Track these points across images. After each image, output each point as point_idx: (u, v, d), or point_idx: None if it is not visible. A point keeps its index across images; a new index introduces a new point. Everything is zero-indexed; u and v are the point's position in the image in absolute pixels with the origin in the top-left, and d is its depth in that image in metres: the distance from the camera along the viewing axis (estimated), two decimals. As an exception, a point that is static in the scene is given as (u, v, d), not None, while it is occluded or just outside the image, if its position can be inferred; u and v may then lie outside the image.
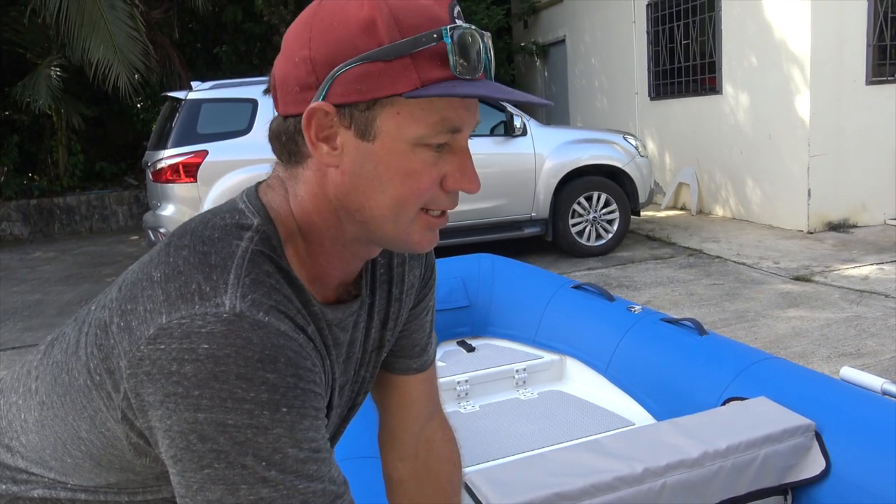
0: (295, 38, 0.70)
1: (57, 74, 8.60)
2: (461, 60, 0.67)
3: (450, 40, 0.66)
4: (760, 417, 1.64)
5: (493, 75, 0.72)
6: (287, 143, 0.73)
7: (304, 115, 0.68)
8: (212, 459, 0.62)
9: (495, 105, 5.93)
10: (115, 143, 11.12)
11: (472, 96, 0.66)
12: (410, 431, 1.04)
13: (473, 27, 0.68)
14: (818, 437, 1.60)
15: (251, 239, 0.70)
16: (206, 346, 0.62)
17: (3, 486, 0.78)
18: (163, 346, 0.63)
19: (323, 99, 0.68)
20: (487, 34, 0.71)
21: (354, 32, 0.66)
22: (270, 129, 0.75)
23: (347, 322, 0.81)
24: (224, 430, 0.62)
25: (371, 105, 0.67)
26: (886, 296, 4.52)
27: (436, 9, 0.68)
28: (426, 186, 0.70)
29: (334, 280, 0.79)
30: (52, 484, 0.77)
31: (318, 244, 0.75)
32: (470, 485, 1.44)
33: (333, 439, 0.92)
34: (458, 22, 0.68)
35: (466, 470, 1.82)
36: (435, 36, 0.66)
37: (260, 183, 0.78)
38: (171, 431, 0.63)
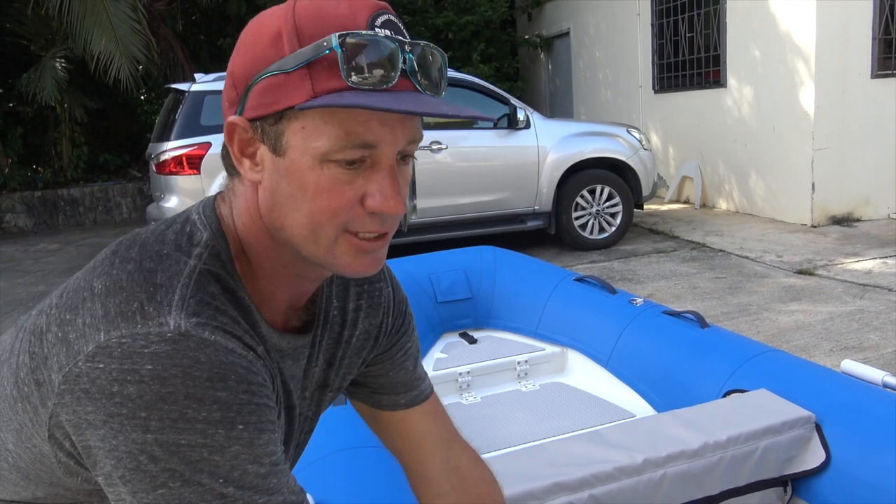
0: (231, 56, 0.70)
1: (62, 66, 8.60)
2: (358, 69, 0.62)
3: (339, 48, 0.62)
4: (761, 409, 1.64)
5: (438, 89, 0.68)
6: (225, 156, 0.72)
7: (225, 129, 0.68)
8: (166, 479, 0.59)
9: (498, 98, 5.93)
10: (119, 135, 11.13)
11: (356, 106, 0.61)
12: (436, 467, 1.00)
13: (386, 35, 0.64)
14: (818, 429, 1.60)
15: (199, 256, 0.67)
16: (150, 367, 0.59)
17: None
18: (102, 366, 0.60)
19: (240, 113, 0.67)
20: (431, 46, 0.67)
21: (265, 45, 0.65)
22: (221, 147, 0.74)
23: (299, 353, 0.79)
24: (177, 450, 0.59)
25: (279, 118, 0.65)
26: (889, 290, 4.51)
27: (350, 18, 0.64)
28: (338, 205, 0.65)
29: (281, 303, 0.75)
30: None
31: (257, 264, 0.72)
32: (471, 475, 1.45)
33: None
34: (377, 31, 0.64)
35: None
36: (325, 44, 0.62)
37: (218, 194, 0.76)
38: (118, 451, 0.59)
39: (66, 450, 0.64)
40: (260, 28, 0.67)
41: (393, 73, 0.64)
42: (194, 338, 0.61)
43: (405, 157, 0.69)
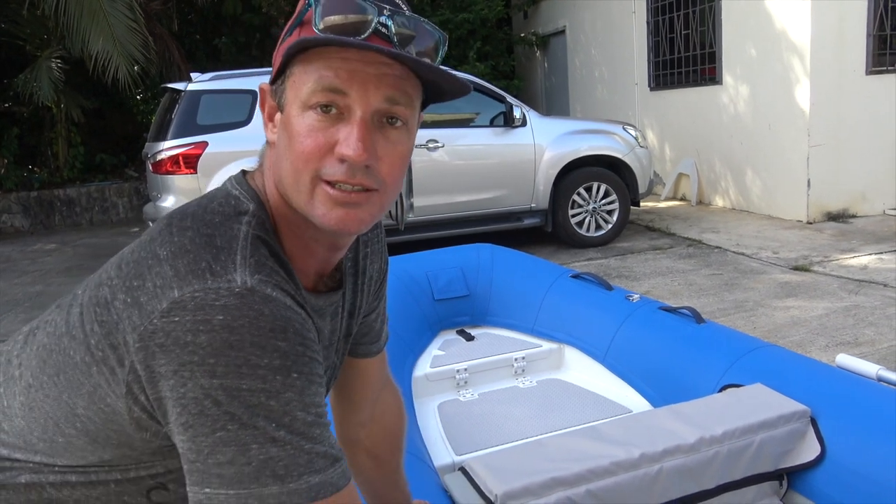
0: None
1: (58, 66, 8.59)
2: (327, 20, 0.70)
3: (315, 3, 0.71)
4: (756, 404, 1.65)
5: (409, 48, 0.73)
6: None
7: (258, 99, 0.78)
8: (225, 422, 0.65)
9: (494, 96, 5.94)
10: (115, 135, 11.11)
11: (310, 42, 0.69)
12: (368, 403, 1.14)
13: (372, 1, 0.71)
14: (813, 422, 1.62)
15: (249, 223, 0.73)
16: (220, 318, 0.65)
17: None
18: (177, 319, 0.65)
19: (270, 80, 0.76)
20: (412, 15, 0.73)
21: (293, 19, 0.75)
22: None
23: (326, 311, 0.85)
24: (238, 394, 0.65)
25: (283, 80, 0.74)
26: (885, 285, 4.53)
27: None
28: (311, 149, 0.71)
29: (310, 268, 0.81)
30: (38, 468, 0.78)
31: (286, 230, 0.78)
32: (469, 471, 1.46)
33: None
34: None
35: (467, 456, 1.84)
36: (308, 3, 0.72)
37: (244, 171, 0.82)
38: (185, 399, 0.65)
39: (140, 403, 0.70)
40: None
41: (362, 28, 0.70)
42: (259, 293, 0.67)
43: (391, 119, 0.73)
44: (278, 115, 0.75)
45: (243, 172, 0.81)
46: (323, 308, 0.83)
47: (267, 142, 0.80)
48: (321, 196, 0.73)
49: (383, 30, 0.71)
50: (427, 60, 0.72)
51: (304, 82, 0.71)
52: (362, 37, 0.70)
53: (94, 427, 0.74)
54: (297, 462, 0.67)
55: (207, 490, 0.66)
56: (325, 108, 0.71)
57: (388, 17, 0.71)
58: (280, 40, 0.76)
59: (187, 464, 0.67)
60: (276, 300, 0.68)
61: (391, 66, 0.71)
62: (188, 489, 0.68)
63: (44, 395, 0.76)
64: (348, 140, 0.70)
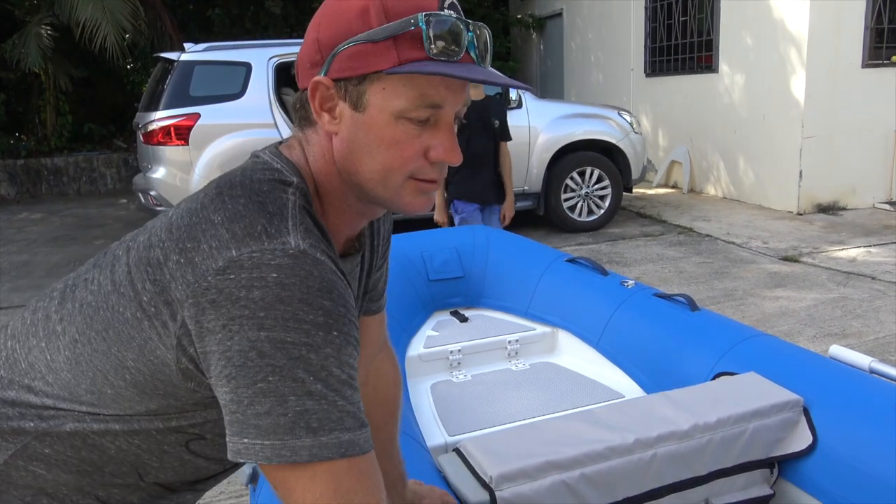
0: (311, 26, 0.82)
1: (48, 33, 8.44)
2: (437, 43, 0.76)
3: (424, 25, 0.75)
4: (749, 392, 1.66)
5: (486, 61, 0.81)
6: (300, 110, 0.84)
7: (309, 87, 0.81)
8: (266, 374, 0.69)
9: (491, 77, 5.89)
10: (104, 105, 10.97)
11: (439, 74, 0.75)
12: (364, 363, 1.17)
13: (457, 17, 0.78)
14: (806, 412, 1.62)
15: (294, 194, 0.79)
16: (275, 275, 0.70)
17: (32, 423, 0.84)
18: (232, 276, 0.70)
19: (325, 74, 0.79)
20: (481, 25, 0.81)
21: (352, 18, 0.77)
22: (292, 101, 0.87)
23: (354, 272, 0.93)
24: (283, 346, 0.69)
25: (362, 80, 0.77)
26: (873, 278, 4.57)
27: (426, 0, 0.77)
28: (409, 156, 0.79)
29: (342, 236, 0.89)
30: (82, 417, 0.83)
31: (329, 202, 0.85)
32: (464, 451, 1.46)
33: None
34: (446, 11, 0.77)
35: (460, 437, 1.85)
36: (412, 21, 0.75)
37: (279, 144, 0.87)
38: (231, 352, 0.70)
39: (189, 355, 0.75)
40: (347, 4, 0.78)
41: (460, 48, 0.77)
42: (310, 255, 0.73)
43: (456, 116, 0.82)
44: (344, 111, 0.80)
45: (277, 145, 0.87)
46: (351, 270, 0.91)
47: (313, 127, 0.84)
48: (410, 189, 0.82)
49: (472, 50, 0.79)
50: (489, 57, 0.83)
51: (403, 96, 0.77)
52: (460, 56, 0.77)
53: (142, 378, 0.79)
54: (329, 417, 0.71)
55: (245, 440, 0.71)
56: (422, 121, 0.78)
57: (471, 31, 0.79)
58: (341, 36, 0.78)
59: (228, 415, 0.72)
60: (325, 264, 0.74)
61: None
62: (228, 440, 0.72)
63: (91, 350, 0.81)
64: (445, 147, 0.80)
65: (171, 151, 5.23)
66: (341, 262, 0.85)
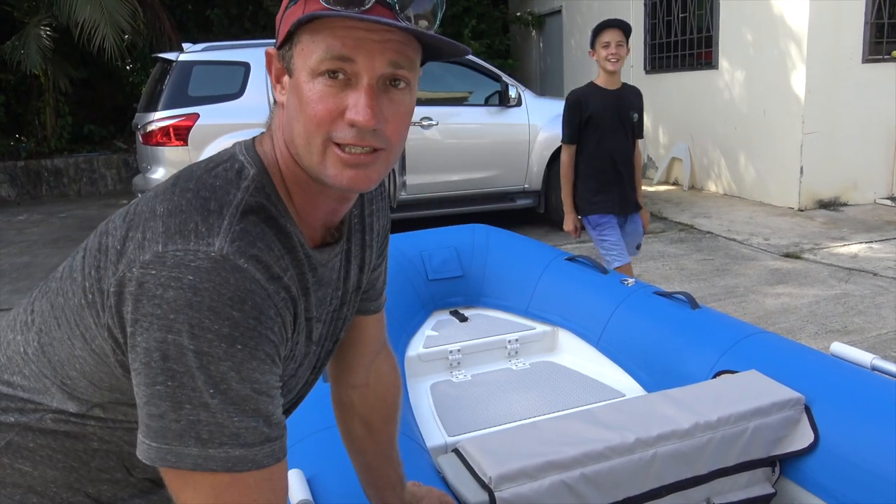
0: None
1: (47, 34, 8.43)
2: None
3: None
4: (751, 390, 1.65)
5: (413, 19, 0.76)
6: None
7: (265, 62, 0.83)
8: (166, 377, 0.69)
9: (490, 74, 5.88)
10: (104, 106, 10.96)
11: (314, 16, 0.72)
12: (364, 364, 1.16)
13: None
14: (807, 410, 1.62)
15: (247, 189, 0.78)
16: (190, 278, 0.69)
17: (13, 417, 0.84)
18: (153, 272, 0.70)
19: (276, 46, 0.81)
20: None
21: None
22: None
23: (333, 262, 0.90)
24: (184, 353, 0.68)
25: (291, 45, 0.78)
26: (875, 274, 4.55)
27: None
28: (322, 114, 0.75)
29: (317, 222, 0.86)
30: (57, 410, 0.83)
31: (293, 188, 0.83)
32: (463, 452, 1.45)
33: (318, 370, 1.01)
34: None
35: (460, 437, 1.84)
36: None
37: (255, 137, 0.86)
38: (139, 347, 0.70)
39: (119, 344, 0.75)
40: None
41: None
42: (230, 262, 0.71)
43: (394, 81, 0.77)
44: (286, 79, 0.80)
45: (253, 138, 0.85)
46: (328, 261, 0.88)
47: (276, 102, 0.84)
48: (332, 158, 0.77)
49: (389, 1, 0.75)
50: (425, 23, 0.77)
51: (313, 51, 0.75)
52: (367, 6, 0.73)
53: (89, 369, 0.79)
54: (222, 431, 0.70)
55: (140, 436, 0.72)
56: (333, 73, 0.75)
57: None
58: (285, 6, 0.80)
59: (137, 408, 0.72)
60: (246, 272, 0.72)
61: (393, 32, 0.75)
62: None
63: (50, 339, 0.82)
64: (357, 106, 0.74)
65: (170, 152, 5.22)
66: (317, 252, 0.85)
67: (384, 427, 1.21)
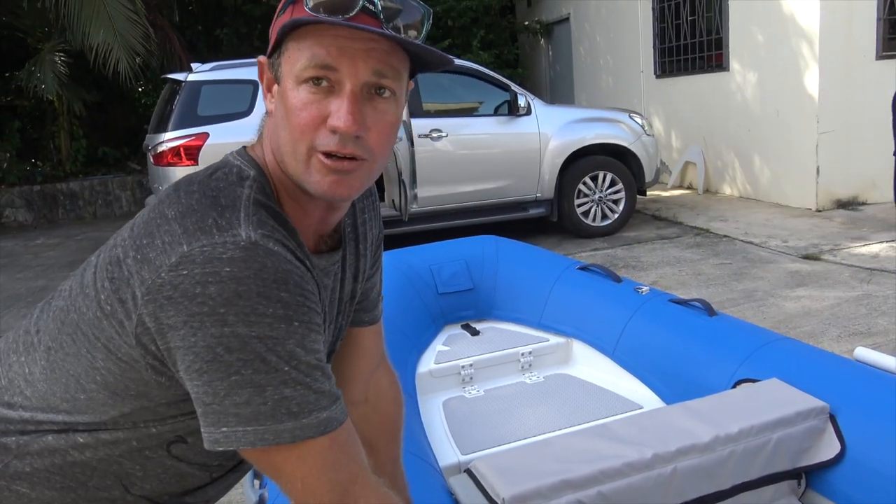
0: None
1: (62, 60, 8.52)
2: (316, 1, 0.74)
3: None
4: (773, 400, 1.59)
5: (401, 29, 0.77)
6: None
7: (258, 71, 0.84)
8: (239, 367, 0.71)
9: (499, 84, 5.86)
10: (118, 128, 11.06)
11: (297, 24, 0.74)
12: (362, 378, 1.15)
13: None
14: (832, 419, 1.56)
15: (251, 187, 0.79)
16: (228, 269, 0.70)
17: (13, 439, 0.83)
18: (185, 272, 0.70)
19: (267, 54, 0.82)
20: None
21: None
22: None
23: (330, 270, 0.91)
24: (248, 340, 0.70)
25: (279, 53, 0.79)
26: (897, 274, 4.46)
27: None
28: (306, 122, 0.76)
29: (309, 230, 0.87)
30: (63, 428, 0.82)
31: (283, 193, 0.83)
32: (475, 472, 1.41)
33: None
34: None
35: (473, 456, 1.79)
36: None
37: (246, 146, 0.88)
38: (196, 347, 0.70)
39: (151, 352, 0.75)
40: None
41: (350, 5, 0.74)
42: (262, 246, 0.72)
43: (379, 90, 0.78)
44: (276, 87, 0.81)
45: (244, 147, 0.87)
46: (326, 268, 0.89)
47: (266, 111, 0.85)
48: (316, 165, 0.78)
49: (370, 6, 0.75)
50: (414, 32, 0.78)
51: (298, 59, 0.76)
52: (351, 14, 0.74)
53: (113, 378, 0.79)
54: (307, 400, 0.74)
55: (224, 429, 0.72)
56: (317, 81, 0.75)
57: None
58: (276, 15, 0.81)
59: (202, 406, 0.73)
60: (278, 254, 0.73)
61: (378, 40, 0.75)
62: (203, 431, 0.74)
63: (63, 354, 0.81)
64: (339, 113, 0.75)
65: (181, 172, 5.23)
66: (315, 257, 0.85)
67: (387, 447, 1.19)
